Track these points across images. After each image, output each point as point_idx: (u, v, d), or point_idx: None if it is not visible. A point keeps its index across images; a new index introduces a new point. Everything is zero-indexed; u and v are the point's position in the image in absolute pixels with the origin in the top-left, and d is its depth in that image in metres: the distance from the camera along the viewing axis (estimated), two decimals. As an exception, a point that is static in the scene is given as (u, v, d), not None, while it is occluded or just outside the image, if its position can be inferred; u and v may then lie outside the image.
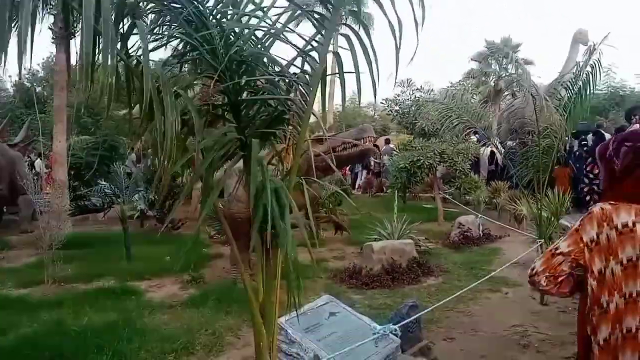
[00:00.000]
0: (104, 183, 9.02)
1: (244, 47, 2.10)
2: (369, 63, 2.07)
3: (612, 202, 1.93)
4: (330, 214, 10.15)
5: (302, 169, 6.33)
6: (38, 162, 14.65)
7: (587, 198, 10.04)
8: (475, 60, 23.17)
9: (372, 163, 16.61)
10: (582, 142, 10.38)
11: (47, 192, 8.99)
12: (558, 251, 1.95)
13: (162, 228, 9.38)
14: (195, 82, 2.25)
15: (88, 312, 5.60)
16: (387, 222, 8.11)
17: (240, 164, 6.79)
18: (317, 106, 2.36)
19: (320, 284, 6.55)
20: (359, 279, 6.45)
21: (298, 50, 2.26)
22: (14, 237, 9.90)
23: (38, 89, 25.77)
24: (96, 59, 1.72)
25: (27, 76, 26.40)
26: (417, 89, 10.38)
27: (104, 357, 4.33)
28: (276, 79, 2.25)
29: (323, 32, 2.28)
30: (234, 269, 6.74)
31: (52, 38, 10.25)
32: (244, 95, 2.19)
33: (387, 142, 17.45)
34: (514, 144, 7.17)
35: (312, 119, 2.32)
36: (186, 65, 2.46)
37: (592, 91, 5.94)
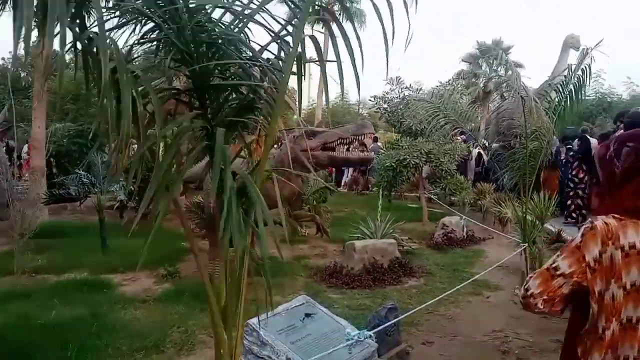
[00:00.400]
0: (81, 172, 8.76)
1: (214, 28, 1.94)
2: (350, 51, 1.90)
3: (616, 215, 1.72)
4: (313, 210, 10.02)
5: (284, 163, 6.21)
6: (25, 148, 14.31)
7: (569, 202, 10.01)
8: (466, 61, 23.17)
9: (358, 160, 16.48)
10: (568, 147, 10.34)
11: (25, 179, 8.73)
12: (558, 272, 1.71)
13: (136, 219, 9.15)
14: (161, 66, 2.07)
15: (57, 305, 5.40)
16: (370, 221, 7.97)
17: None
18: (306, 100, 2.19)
19: (300, 283, 6.40)
20: (339, 278, 6.30)
21: (272, 34, 2.09)
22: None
23: (23, 74, 25.27)
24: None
25: (8, 59, 25.88)
26: (406, 87, 10.26)
27: (69, 354, 4.15)
28: (248, 65, 2.08)
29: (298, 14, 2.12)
30: (211, 264, 6.57)
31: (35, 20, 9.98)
32: (213, 80, 2.02)
33: (375, 140, 17.32)
34: (499, 145, 7.08)
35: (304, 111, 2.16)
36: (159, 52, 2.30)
37: (582, 96, 5.86)
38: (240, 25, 2.04)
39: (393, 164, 10.22)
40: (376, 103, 11.12)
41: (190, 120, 2.01)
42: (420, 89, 9.74)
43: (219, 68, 2.01)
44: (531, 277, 1.80)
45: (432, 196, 12.13)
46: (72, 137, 12.94)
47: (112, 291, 6.03)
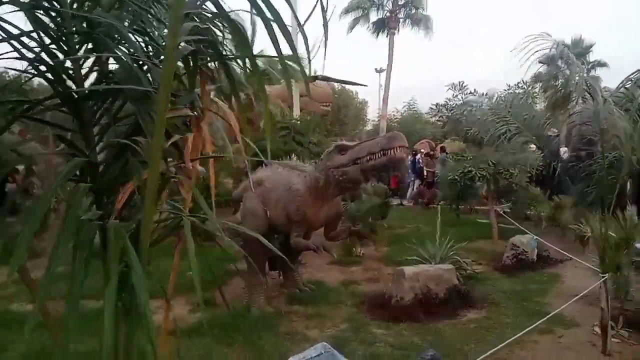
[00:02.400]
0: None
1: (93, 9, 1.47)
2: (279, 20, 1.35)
3: None
4: (366, 227, 9.35)
5: (321, 183, 5.64)
6: None
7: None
8: (543, 63, 21.47)
9: (425, 173, 15.62)
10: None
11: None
12: None
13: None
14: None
15: (82, 337, 5.12)
16: (429, 242, 7.19)
17: (259, 174, 6.13)
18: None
19: (343, 313, 5.78)
20: (386, 310, 5.63)
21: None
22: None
23: None
24: None
25: None
26: (470, 92, 9.39)
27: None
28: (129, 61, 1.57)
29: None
30: (247, 292, 6.11)
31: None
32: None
33: (442, 150, 16.41)
34: (568, 155, 6.15)
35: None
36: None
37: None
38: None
39: (457, 177, 9.38)
40: (438, 111, 10.33)
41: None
42: (486, 94, 8.85)
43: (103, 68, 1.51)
44: None
45: (502, 211, 11.05)
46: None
47: (142, 320, 5.66)
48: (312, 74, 16.48)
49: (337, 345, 4.81)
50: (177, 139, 1.75)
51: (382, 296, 5.97)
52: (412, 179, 16.77)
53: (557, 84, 20.57)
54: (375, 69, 32.79)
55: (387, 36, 24.71)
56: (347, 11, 24.94)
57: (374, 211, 9.39)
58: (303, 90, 16.15)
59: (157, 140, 1.43)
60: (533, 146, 10.27)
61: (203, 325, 5.41)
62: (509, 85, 9.74)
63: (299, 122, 11.59)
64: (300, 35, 1.58)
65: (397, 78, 49.92)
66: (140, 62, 1.65)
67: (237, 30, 1.53)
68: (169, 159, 1.86)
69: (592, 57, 25.52)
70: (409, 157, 17.87)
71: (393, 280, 6.09)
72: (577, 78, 5.26)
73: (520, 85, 9.98)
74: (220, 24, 1.84)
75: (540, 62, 22.63)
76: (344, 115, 31.85)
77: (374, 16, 25.35)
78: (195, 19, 1.70)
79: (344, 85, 26.57)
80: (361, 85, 21.64)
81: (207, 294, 6.38)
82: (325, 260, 7.36)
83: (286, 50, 1.50)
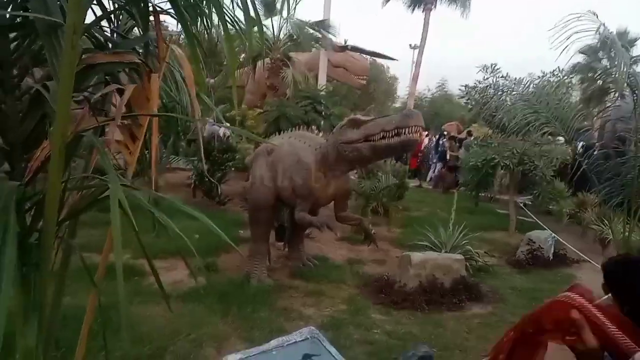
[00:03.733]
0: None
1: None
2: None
3: None
4: (380, 207, 9.13)
5: (330, 158, 5.40)
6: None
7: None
8: (584, 53, 20.63)
9: (448, 156, 15.22)
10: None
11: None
12: None
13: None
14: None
15: (78, 292, 5.04)
16: (441, 228, 6.94)
17: (271, 142, 5.88)
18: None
19: (343, 293, 5.60)
20: (388, 295, 5.43)
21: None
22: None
23: None
24: None
25: None
26: (502, 76, 8.94)
27: (57, 354, 3.69)
28: None
29: None
30: (249, 261, 5.96)
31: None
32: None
33: (469, 134, 15.94)
34: (600, 152, 5.78)
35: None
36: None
37: None
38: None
39: (479, 164, 9.03)
40: (467, 93, 9.92)
41: None
42: (517, 79, 8.41)
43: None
44: None
45: (524, 203, 10.69)
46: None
47: (141, 281, 5.59)
48: (342, 43, 16.06)
49: (332, 327, 4.66)
50: (107, 90, 1.49)
51: (386, 280, 5.78)
52: (435, 161, 16.38)
53: (595, 76, 19.82)
54: (410, 45, 32.00)
55: (422, 12, 23.91)
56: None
57: (389, 191, 9.15)
58: (339, 61, 15.75)
59: (63, 84, 1.17)
60: (561, 138, 9.83)
61: (199, 291, 5.31)
62: (544, 72, 9.27)
63: (322, 92, 11.27)
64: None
65: (430, 56, 48.80)
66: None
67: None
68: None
69: (635, 52, 24.40)
70: (434, 138, 17.46)
71: (399, 265, 5.88)
72: (622, 68, 4.85)
73: (555, 73, 9.47)
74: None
75: (580, 52, 21.67)
76: (373, 89, 31.23)
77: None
78: None
79: (375, 58, 25.94)
80: (391, 59, 21.07)
81: (210, 259, 6.30)
82: (334, 235, 7.16)
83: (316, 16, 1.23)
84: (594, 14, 5.03)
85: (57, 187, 1.35)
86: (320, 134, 6.30)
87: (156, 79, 1.55)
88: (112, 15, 1.68)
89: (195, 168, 10.92)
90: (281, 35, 14.34)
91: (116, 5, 1.62)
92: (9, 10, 1.44)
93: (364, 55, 17.32)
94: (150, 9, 1.57)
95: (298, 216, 5.43)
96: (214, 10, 1.62)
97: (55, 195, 1.35)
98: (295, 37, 14.04)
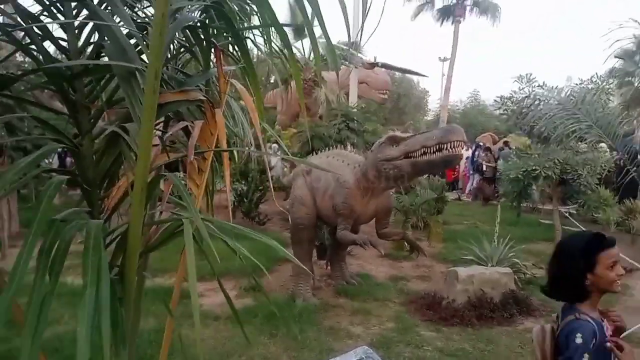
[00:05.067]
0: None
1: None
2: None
3: None
4: (419, 222, 9.06)
5: (370, 176, 5.39)
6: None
7: None
8: (620, 58, 20.16)
9: (484, 167, 15.01)
10: None
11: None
12: None
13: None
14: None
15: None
16: (485, 242, 6.82)
17: (310, 160, 5.94)
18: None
19: (390, 312, 5.56)
20: (437, 312, 5.36)
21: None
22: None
23: None
24: None
25: None
26: (539, 85, 8.81)
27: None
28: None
29: None
30: (294, 280, 6.00)
31: None
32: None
33: (506, 144, 15.71)
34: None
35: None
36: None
37: None
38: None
39: (520, 176, 8.86)
40: (502, 104, 9.80)
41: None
42: (555, 87, 8.28)
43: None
44: None
45: (568, 212, 10.43)
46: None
47: (189, 303, 5.66)
48: (372, 60, 16.13)
49: (382, 345, 4.64)
50: (177, 128, 1.54)
51: (433, 296, 5.70)
52: (472, 172, 16.18)
53: (633, 79, 19.29)
54: (439, 58, 32.00)
55: (452, 24, 23.89)
56: (411, -2, 24.33)
57: (429, 206, 9.08)
58: (361, 77, 15.82)
59: (144, 127, 1.23)
60: (604, 145, 9.59)
61: (247, 313, 5.37)
62: (581, 80, 9.11)
63: (354, 110, 11.33)
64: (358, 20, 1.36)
65: (461, 68, 48.48)
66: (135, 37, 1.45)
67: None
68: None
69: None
70: (469, 150, 17.27)
71: (445, 281, 5.80)
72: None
73: (593, 79, 9.28)
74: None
75: (616, 56, 21.23)
76: (403, 104, 31.16)
77: (439, 3, 24.60)
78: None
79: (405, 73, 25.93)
80: (422, 75, 21.05)
81: (254, 282, 6.36)
82: (375, 253, 7.15)
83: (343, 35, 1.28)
84: (636, 21, 4.95)
85: (139, 223, 1.41)
86: (353, 150, 6.35)
87: (220, 114, 1.61)
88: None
89: (234, 190, 11.08)
90: (311, 57, 14.53)
91: (179, 47, 1.71)
92: (86, 55, 1.54)
93: (383, 70, 17.34)
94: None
95: (340, 235, 5.45)
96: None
97: (137, 231, 1.41)
98: (325, 57, 14.20)
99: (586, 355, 1.88)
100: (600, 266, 1.97)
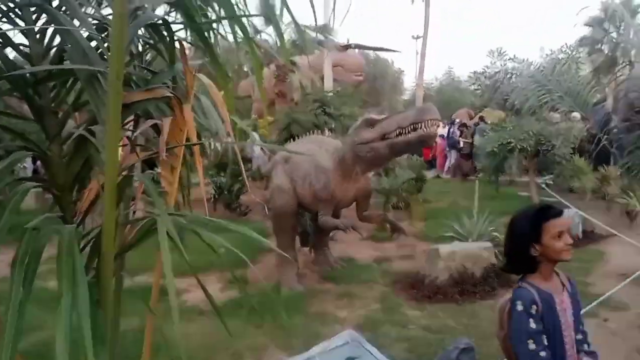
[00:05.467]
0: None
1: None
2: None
3: None
4: (400, 202, 9.14)
5: (348, 160, 5.42)
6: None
7: None
8: (589, 25, 20.37)
9: (461, 143, 15.14)
10: None
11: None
12: None
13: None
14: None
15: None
16: (465, 218, 6.91)
17: (288, 147, 5.93)
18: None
19: (375, 293, 5.62)
20: (420, 290, 5.44)
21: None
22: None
23: None
24: None
25: None
26: (510, 58, 8.90)
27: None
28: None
29: None
30: (278, 269, 6.02)
31: None
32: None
33: (481, 119, 15.85)
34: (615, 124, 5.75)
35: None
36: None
37: None
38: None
39: (495, 149, 8.99)
40: (476, 79, 9.87)
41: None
42: (526, 60, 8.37)
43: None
44: None
45: (545, 183, 10.61)
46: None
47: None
48: (345, 42, 16.11)
49: (368, 327, 4.69)
50: (145, 127, 1.53)
51: (416, 275, 5.78)
52: (448, 149, 16.30)
53: (602, 47, 19.54)
54: (412, 36, 32.01)
55: (423, 1, 23.85)
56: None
57: (408, 185, 9.16)
58: (335, 60, 15.81)
59: (110, 128, 1.23)
60: (577, 115, 9.75)
61: (233, 304, 5.37)
62: (552, 50, 9.21)
63: (329, 94, 11.31)
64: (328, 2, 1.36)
65: (435, 45, 48.58)
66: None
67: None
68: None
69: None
70: (445, 127, 17.38)
71: (427, 259, 5.88)
72: (632, 36, 4.83)
73: (563, 49, 9.41)
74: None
75: (585, 24, 21.39)
76: (380, 85, 31.19)
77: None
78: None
79: (379, 53, 25.90)
80: (394, 51, 21.02)
81: (238, 272, 6.36)
82: (358, 236, 7.20)
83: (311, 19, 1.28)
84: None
85: (111, 224, 1.40)
86: (331, 135, 6.35)
87: (189, 109, 1.61)
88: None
89: (213, 182, 11.03)
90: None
91: (144, 44, 1.68)
92: (49, 59, 1.51)
93: (357, 51, 17.37)
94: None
95: (321, 220, 5.47)
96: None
97: (111, 233, 1.41)
98: (297, 42, 14.14)
99: (531, 320, 1.97)
100: (547, 236, 2.03)
